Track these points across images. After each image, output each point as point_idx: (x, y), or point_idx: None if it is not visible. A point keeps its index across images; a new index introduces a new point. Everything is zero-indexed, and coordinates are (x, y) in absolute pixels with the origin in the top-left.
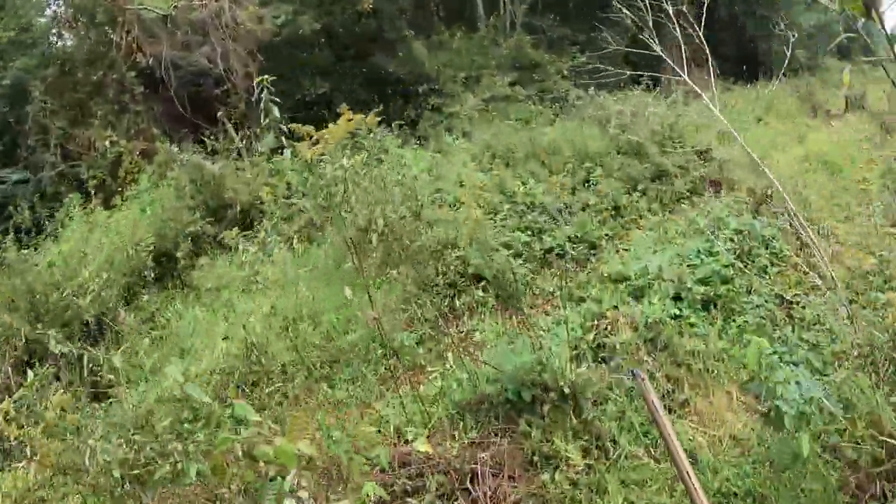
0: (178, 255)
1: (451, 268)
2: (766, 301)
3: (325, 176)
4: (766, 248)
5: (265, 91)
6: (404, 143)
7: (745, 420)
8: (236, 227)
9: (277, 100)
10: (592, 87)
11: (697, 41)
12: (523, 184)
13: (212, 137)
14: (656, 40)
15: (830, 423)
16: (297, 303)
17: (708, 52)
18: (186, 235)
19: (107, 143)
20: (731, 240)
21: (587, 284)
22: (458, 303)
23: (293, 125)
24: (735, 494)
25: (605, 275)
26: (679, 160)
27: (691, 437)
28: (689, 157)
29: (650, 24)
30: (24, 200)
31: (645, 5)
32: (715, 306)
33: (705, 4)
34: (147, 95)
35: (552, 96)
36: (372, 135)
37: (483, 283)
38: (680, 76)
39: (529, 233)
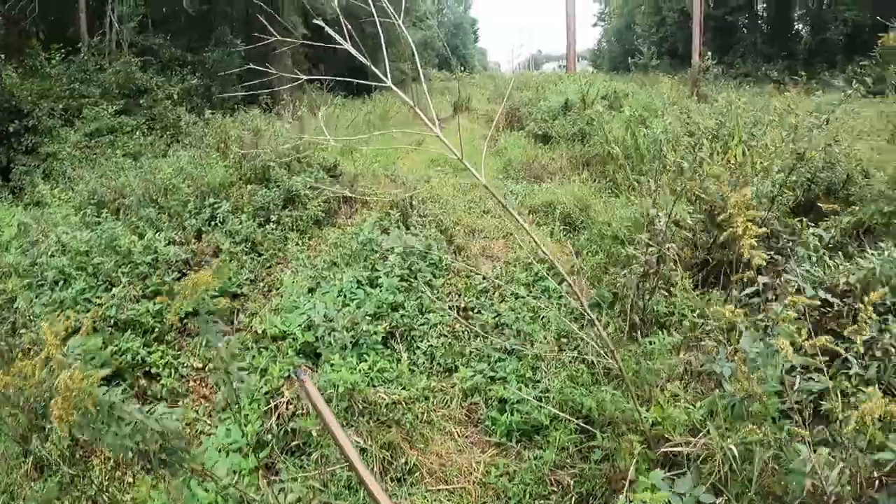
0: None
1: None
2: (443, 317)
3: None
4: (425, 261)
5: None
6: None
7: (477, 454)
8: None
9: None
10: (207, 111)
11: (309, 60)
12: (140, 236)
13: None
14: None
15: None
16: None
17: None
18: None
19: None
20: (385, 259)
21: (244, 351)
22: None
23: None
24: None
25: (261, 333)
26: (309, 180)
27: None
28: (318, 175)
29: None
30: None
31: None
32: (395, 338)
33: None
34: None
35: (163, 124)
36: None
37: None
38: (289, 95)
39: (155, 296)
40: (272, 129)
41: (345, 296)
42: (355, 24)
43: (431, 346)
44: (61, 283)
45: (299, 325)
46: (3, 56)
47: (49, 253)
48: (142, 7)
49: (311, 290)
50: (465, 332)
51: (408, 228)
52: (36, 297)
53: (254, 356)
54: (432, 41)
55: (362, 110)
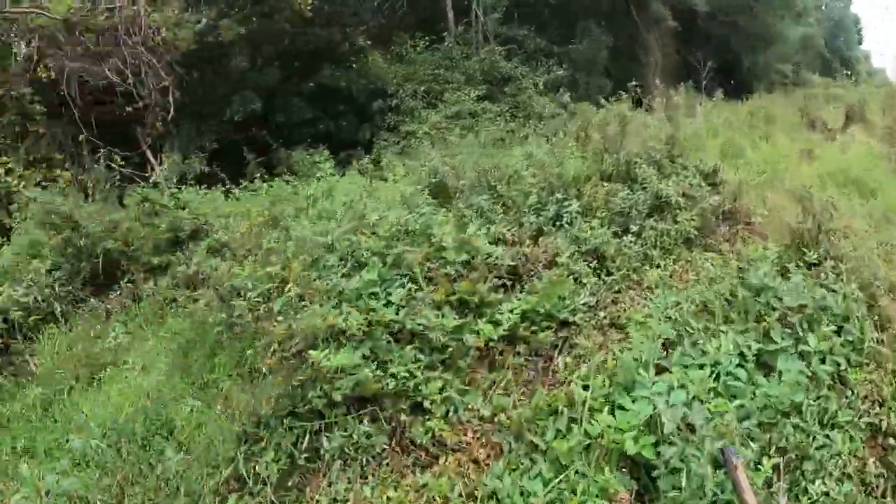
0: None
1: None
2: (852, 441)
3: None
4: (839, 335)
5: None
6: (344, 166)
7: None
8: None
9: None
10: (569, 101)
11: (679, 55)
12: (462, 228)
13: (122, 164)
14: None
15: None
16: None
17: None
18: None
19: (1, 170)
20: (785, 321)
21: (542, 411)
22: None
23: None
24: None
25: (574, 399)
26: (683, 185)
27: None
28: (694, 180)
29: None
30: None
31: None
32: (778, 472)
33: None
34: (50, 115)
35: (525, 113)
36: None
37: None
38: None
39: (464, 310)
40: (642, 120)
41: (717, 376)
42: (725, 19)
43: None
44: (348, 265)
45: (633, 426)
46: (370, 42)
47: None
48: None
49: (666, 349)
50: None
51: (808, 268)
52: (317, 279)
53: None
54: (812, 40)
55: (741, 111)
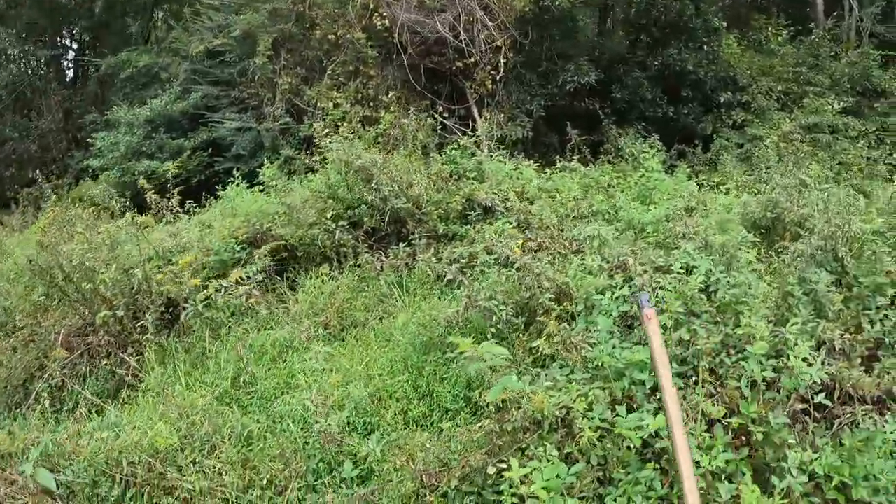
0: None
1: None
2: None
3: None
4: None
5: None
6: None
7: None
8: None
9: None
10: None
11: None
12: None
13: (445, 116)
14: None
15: None
16: None
17: None
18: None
19: (330, 104)
20: None
21: None
22: None
23: None
24: None
25: None
26: None
27: None
28: None
29: None
30: (242, 148)
31: None
32: None
33: None
34: (382, 61)
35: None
36: None
37: None
38: None
39: None
40: None
41: None
42: None
43: None
44: None
45: None
46: (724, 23)
47: None
48: None
49: None
50: None
51: None
52: None
53: None
54: None
55: None
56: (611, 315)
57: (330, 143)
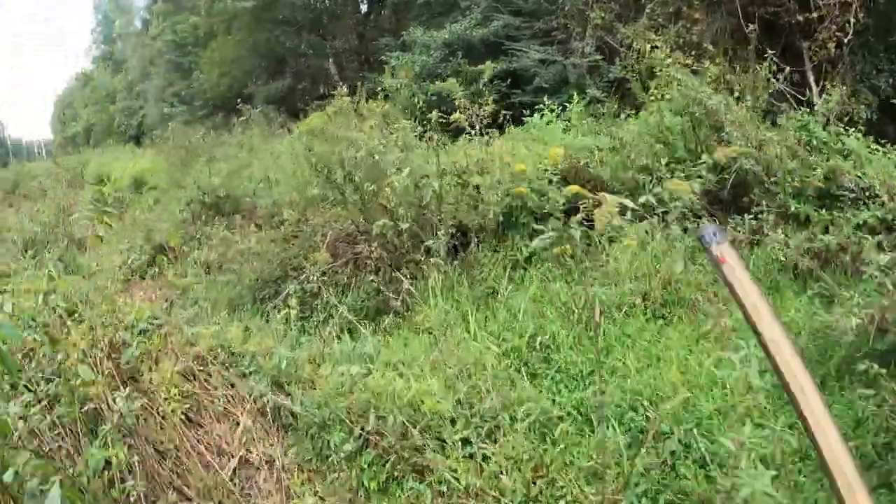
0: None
1: None
2: None
3: None
4: None
5: None
6: None
7: None
8: None
9: None
10: None
11: None
12: None
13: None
14: None
15: None
16: None
17: None
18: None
19: (647, 46)
20: None
21: None
22: None
23: None
24: None
25: None
26: None
27: None
28: None
29: None
30: (545, 81)
31: None
32: None
33: None
34: (708, 5)
35: None
36: None
37: None
38: None
39: None
40: None
41: None
42: None
43: None
44: None
45: None
46: None
47: None
48: None
49: None
50: None
51: None
52: None
53: None
54: None
55: None
56: None
57: (676, 73)
